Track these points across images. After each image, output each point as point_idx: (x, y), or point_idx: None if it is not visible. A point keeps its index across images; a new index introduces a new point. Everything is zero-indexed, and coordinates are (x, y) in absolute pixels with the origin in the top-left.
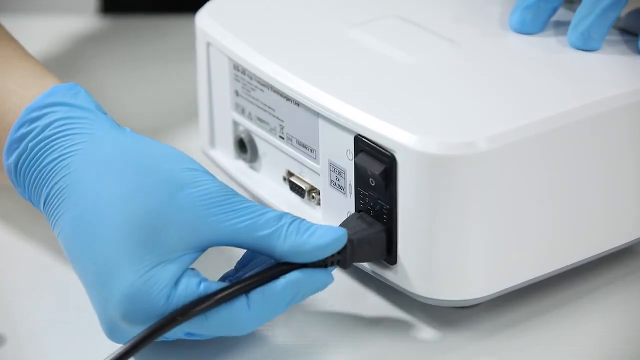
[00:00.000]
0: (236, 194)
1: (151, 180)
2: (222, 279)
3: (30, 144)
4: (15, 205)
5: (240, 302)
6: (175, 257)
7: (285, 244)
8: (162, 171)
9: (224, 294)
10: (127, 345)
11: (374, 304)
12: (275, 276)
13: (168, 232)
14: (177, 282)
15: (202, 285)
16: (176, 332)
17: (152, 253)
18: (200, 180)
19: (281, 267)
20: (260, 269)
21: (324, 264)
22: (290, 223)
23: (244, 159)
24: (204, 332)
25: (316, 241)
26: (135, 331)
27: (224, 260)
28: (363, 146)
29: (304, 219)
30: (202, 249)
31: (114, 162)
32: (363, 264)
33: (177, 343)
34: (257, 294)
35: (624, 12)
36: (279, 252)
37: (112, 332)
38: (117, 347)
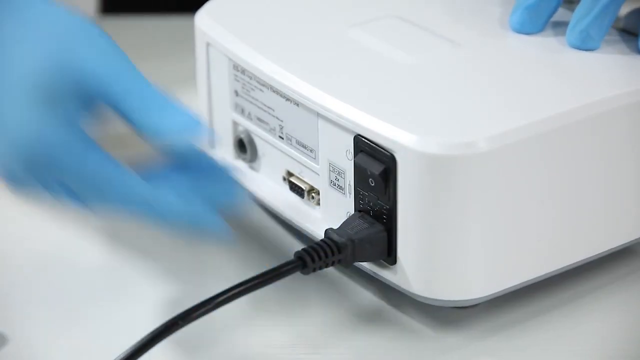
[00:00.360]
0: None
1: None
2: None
3: None
4: (15, 203)
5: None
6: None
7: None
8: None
9: (223, 297)
10: (130, 349)
11: (373, 305)
12: (278, 276)
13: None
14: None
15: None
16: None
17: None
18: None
19: (286, 266)
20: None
21: None
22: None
23: (244, 159)
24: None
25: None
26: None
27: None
28: (363, 146)
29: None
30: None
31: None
32: (363, 264)
33: (173, 345)
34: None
35: (623, 12)
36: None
37: (13, 177)
38: (118, 350)
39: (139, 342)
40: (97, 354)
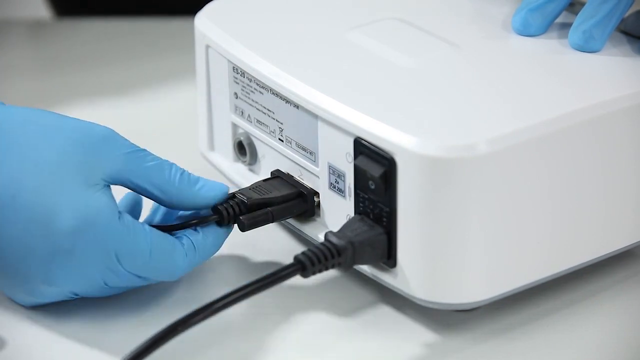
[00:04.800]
0: None
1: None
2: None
3: None
4: None
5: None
6: (103, 184)
7: (180, 193)
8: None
9: (223, 302)
10: (130, 355)
11: (373, 307)
12: (278, 280)
13: (99, 158)
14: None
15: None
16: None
17: (90, 175)
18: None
19: (288, 269)
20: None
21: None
22: (181, 173)
23: (243, 162)
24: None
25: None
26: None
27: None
28: (363, 149)
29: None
30: (115, 182)
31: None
32: (363, 266)
33: (172, 349)
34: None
35: (625, 13)
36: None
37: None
38: (118, 356)
39: (138, 347)
40: (97, 355)
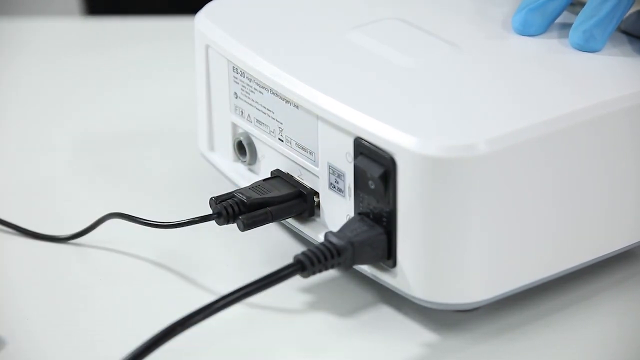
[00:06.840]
0: None
1: None
2: None
3: None
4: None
5: None
6: None
7: None
8: None
9: (222, 303)
10: (129, 355)
11: (373, 307)
12: (277, 280)
13: None
14: None
15: None
16: None
17: None
18: None
19: (287, 269)
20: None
21: None
22: None
23: (243, 162)
24: None
25: None
26: None
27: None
28: (362, 149)
29: None
30: None
31: None
32: (363, 267)
33: (171, 348)
34: None
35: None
36: None
37: None
38: (117, 356)
39: (138, 348)
40: (96, 356)
